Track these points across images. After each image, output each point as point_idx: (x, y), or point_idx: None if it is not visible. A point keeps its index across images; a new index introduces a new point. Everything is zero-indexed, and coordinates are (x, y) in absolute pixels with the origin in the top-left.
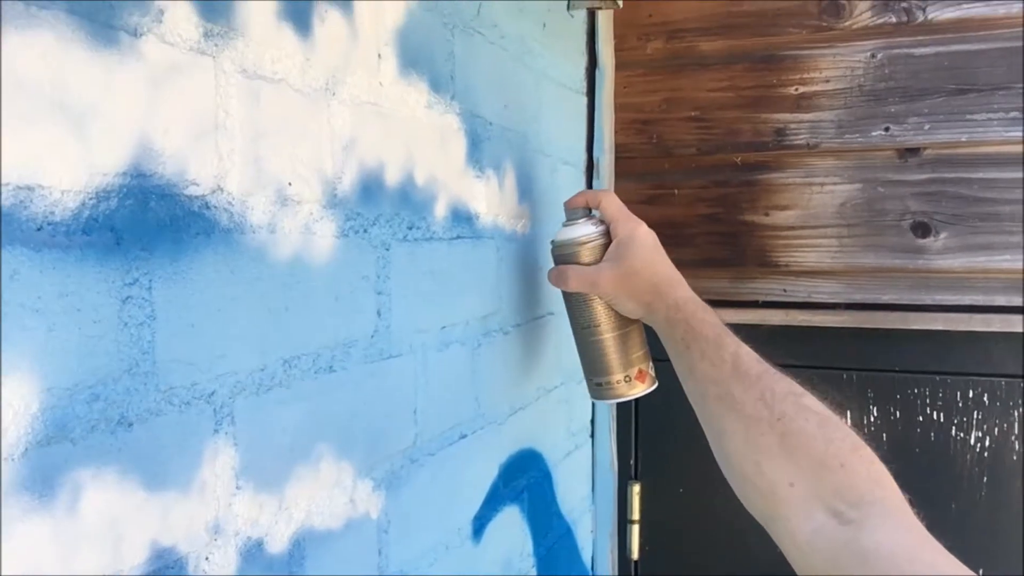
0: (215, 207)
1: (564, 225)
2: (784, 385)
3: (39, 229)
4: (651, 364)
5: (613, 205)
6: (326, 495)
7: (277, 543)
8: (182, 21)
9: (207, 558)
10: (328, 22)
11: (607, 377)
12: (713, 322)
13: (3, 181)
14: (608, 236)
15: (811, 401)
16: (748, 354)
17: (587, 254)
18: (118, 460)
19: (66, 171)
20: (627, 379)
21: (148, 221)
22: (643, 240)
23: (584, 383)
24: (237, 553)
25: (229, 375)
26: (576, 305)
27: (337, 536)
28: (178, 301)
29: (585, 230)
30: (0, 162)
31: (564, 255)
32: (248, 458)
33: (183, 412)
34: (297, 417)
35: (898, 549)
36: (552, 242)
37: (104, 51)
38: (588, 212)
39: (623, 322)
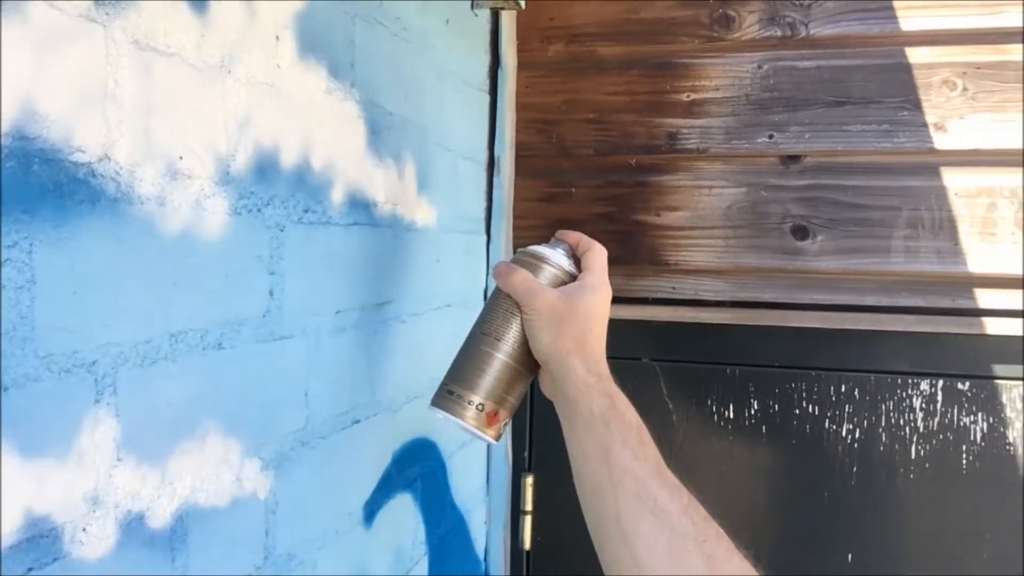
0: (102, 175)
1: (543, 244)
2: (702, 509)
3: None
4: (508, 424)
5: (599, 260)
6: (212, 472)
7: (159, 518)
8: None
9: (84, 529)
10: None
11: (466, 392)
12: (634, 413)
13: None
14: (573, 279)
15: (725, 537)
16: (663, 460)
17: (545, 276)
18: None
19: None
20: (480, 408)
21: (30, 184)
22: (600, 299)
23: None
24: (116, 525)
25: (112, 345)
26: (496, 309)
27: (222, 514)
28: (60, 267)
29: (557, 258)
30: None
31: (525, 263)
32: (130, 430)
33: (62, 380)
34: (183, 392)
35: None
36: (520, 248)
37: None
38: (570, 251)
39: (525, 362)
